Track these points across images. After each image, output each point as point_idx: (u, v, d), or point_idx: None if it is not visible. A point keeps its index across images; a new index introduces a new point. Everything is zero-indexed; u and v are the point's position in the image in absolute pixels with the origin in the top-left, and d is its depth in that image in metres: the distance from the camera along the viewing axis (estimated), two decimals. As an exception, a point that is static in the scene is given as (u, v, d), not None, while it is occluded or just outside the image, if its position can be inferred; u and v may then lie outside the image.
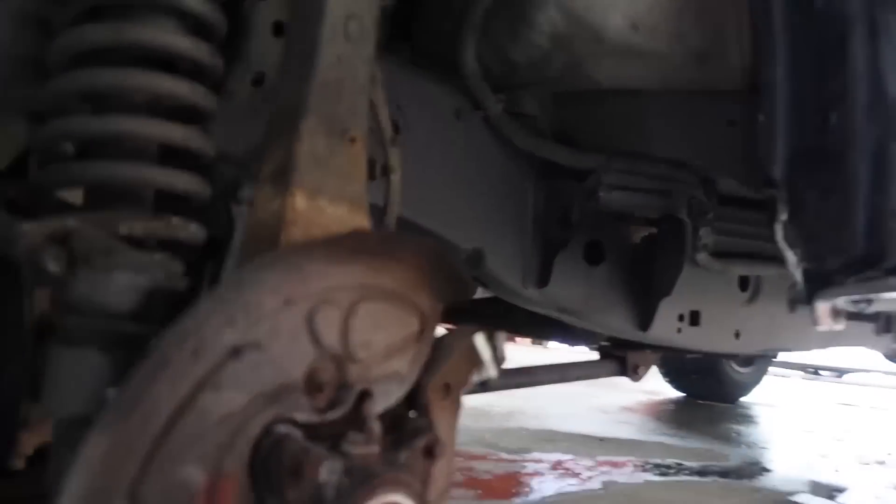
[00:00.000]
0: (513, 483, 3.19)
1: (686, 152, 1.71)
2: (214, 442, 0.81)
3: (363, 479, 0.89)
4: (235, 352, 0.82)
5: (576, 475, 3.31)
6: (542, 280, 1.91)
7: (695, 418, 5.01)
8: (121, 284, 0.78)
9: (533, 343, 7.62)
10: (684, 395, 5.58)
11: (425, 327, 1.04)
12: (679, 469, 3.56)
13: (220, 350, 0.80)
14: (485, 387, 1.14)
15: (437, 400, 1.06)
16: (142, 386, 0.74)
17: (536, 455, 3.62)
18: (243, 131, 1.30)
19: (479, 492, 2.96)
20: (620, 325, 2.04)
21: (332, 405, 0.93)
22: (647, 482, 3.34)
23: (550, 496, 3.01)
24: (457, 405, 1.09)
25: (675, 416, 5.22)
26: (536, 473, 3.33)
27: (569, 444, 3.90)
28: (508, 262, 1.89)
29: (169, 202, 1.08)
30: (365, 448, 0.92)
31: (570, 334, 2.46)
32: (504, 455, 3.54)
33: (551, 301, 1.95)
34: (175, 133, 1.08)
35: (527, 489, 3.11)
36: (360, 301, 0.95)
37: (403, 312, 1.01)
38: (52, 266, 0.81)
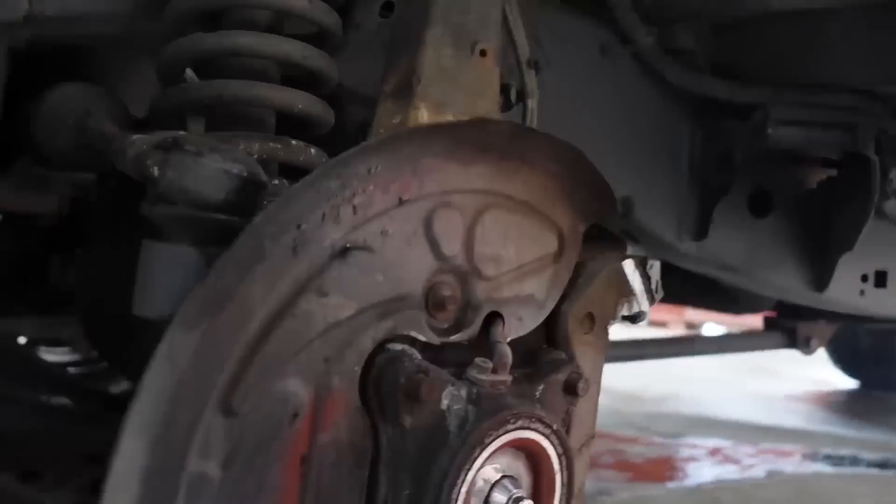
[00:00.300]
0: (666, 467, 2.98)
1: (874, 78, 1.47)
2: (319, 354, 0.71)
3: (492, 409, 0.77)
4: (342, 253, 0.71)
5: (736, 462, 3.05)
6: (701, 232, 1.72)
7: (870, 409, 4.55)
8: (212, 170, 0.70)
9: (687, 329, 7.23)
10: (858, 384, 5.10)
11: (564, 248, 0.90)
12: (855, 461, 3.21)
13: (324, 249, 0.70)
14: (635, 320, 0.99)
15: (580, 333, 0.92)
16: (234, 279, 0.65)
17: (692, 440, 3.37)
18: (372, 68, 1.20)
19: (630, 475, 2.77)
20: (791, 284, 1.81)
21: (457, 327, 0.81)
22: (818, 473, 3.03)
23: (707, 482, 2.78)
24: (603, 340, 0.95)
25: (847, 407, 4.77)
26: (692, 459, 3.10)
27: (727, 430, 3.62)
28: (661, 211, 1.71)
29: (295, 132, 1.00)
30: (494, 377, 0.79)
31: (730, 301, 2.24)
32: (657, 439, 3.32)
33: (710, 256, 1.75)
34: (294, 50, 1.00)
35: (681, 474, 2.89)
36: (487, 209, 0.82)
37: (538, 228, 0.87)
38: (153, 169, 0.74)
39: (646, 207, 1.68)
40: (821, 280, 1.81)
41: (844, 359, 4.90)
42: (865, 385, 5.08)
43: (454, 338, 0.80)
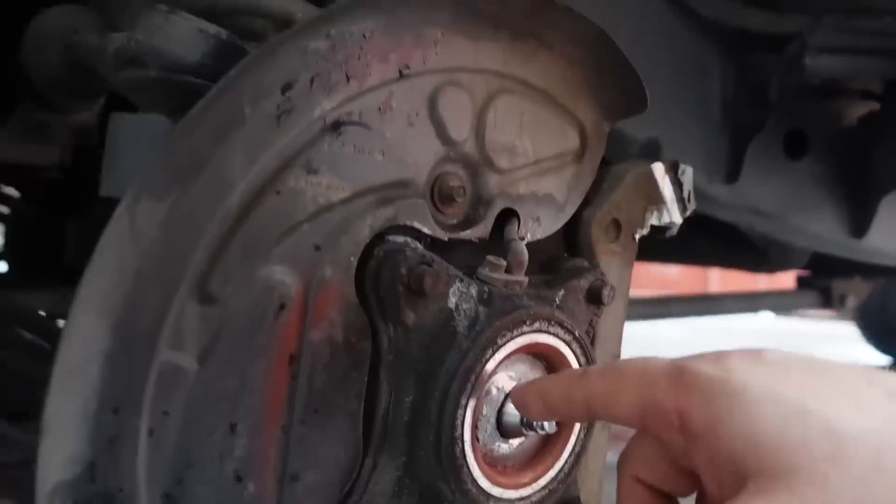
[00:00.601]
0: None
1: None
2: (310, 240, 0.62)
3: (506, 309, 0.69)
4: (334, 127, 0.63)
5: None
6: (732, 174, 1.61)
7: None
8: (185, 28, 0.62)
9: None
10: (892, 360, 4.96)
11: (587, 147, 0.81)
12: None
13: (314, 121, 0.62)
14: (665, 232, 0.90)
15: (604, 241, 0.84)
16: (209, 145, 0.57)
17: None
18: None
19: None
20: (828, 231, 1.71)
21: (466, 223, 0.73)
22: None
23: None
24: (630, 251, 0.86)
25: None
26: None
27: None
28: (690, 153, 1.61)
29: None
30: (508, 277, 0.71)
31: (760, 259, 2.13)
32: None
33: (742, 201, 1.65)
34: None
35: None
36: (500, 93, 0.73)
37: (558, 121, 0.79)
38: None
39: (674, 149, 1.57)
40: (860, 225, 1.70)
41: (876, 334, 4.75)
42: (900, 361, 4.93)
43: (464, 234, 0.72)
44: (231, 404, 0.60)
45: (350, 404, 0.66)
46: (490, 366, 0.66)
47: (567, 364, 0.72)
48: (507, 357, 0.68)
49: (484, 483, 0.68)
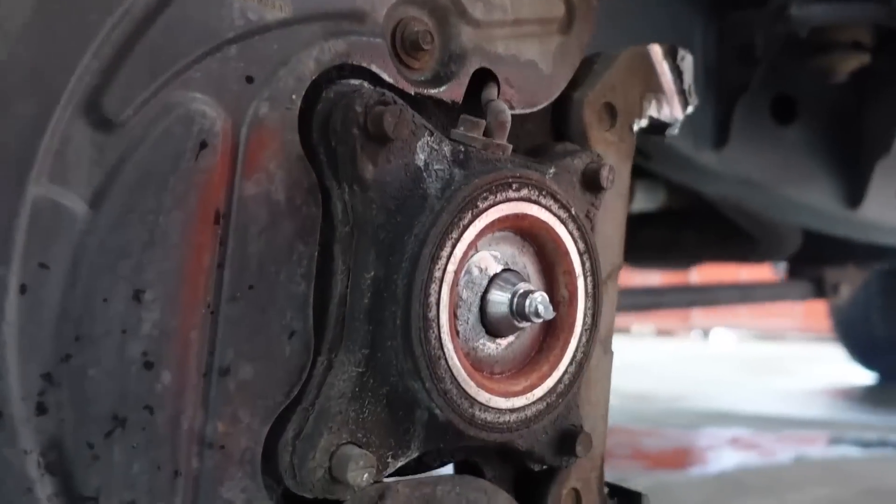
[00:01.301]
0: (685, 456, 2.75)
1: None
2: (239, 67, 0.50)
3: (485, 171, 0.56)
4: (269, -69, 0.51)
5: (758, 448, 2.82)
6: (720, 139, 1.51)
7: (893, 398, 4.32)
8: None
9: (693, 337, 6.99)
10: (877, 377, 4.87)
11: (573, 17, 0.70)
12: (883, 443, 2.98)
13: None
14: (664, 130, 0.78)
15: (599, 128, 0.71)
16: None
17: (710, 431, 3.14)
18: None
19: (648, 463, 2.54)
20: (822, 201, 1.60)
21: (437, 79, 0.60)
22: (845, 456, 2.80)
23: (730, 468, 2.54)
24: (628, 143, 0.74)
25: (869, 397, 4.51)
26: (711, 447, 2.86)
27: (746, 422, 3.39)
28: (674, 118, 1.51)
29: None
30: (488, 140, 0.58)
31: (750, 247, 2.03)
32: (673, 431, 3.08)
33: (731, 168, 1.55)
34: None
35: (702, 462, 2.66)
36: (472, -68, 0.62)
37: (540, -18, 0.67)
38: None
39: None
40: (854, 194, 1.60)
41: (860, 350, 4.66)
42: (884, 376, 4.84)
43: (434, 92, 0.59)
44: (135, 264, 0.46)
45: (296, 285, 0.52)
46: (469, 234, 0.53)
47: (563, 247, 0.59)
48: (490, 229, 0.55)
49: (467, 384, 0.54)
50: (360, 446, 0.51)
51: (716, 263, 2.14)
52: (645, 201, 2.07)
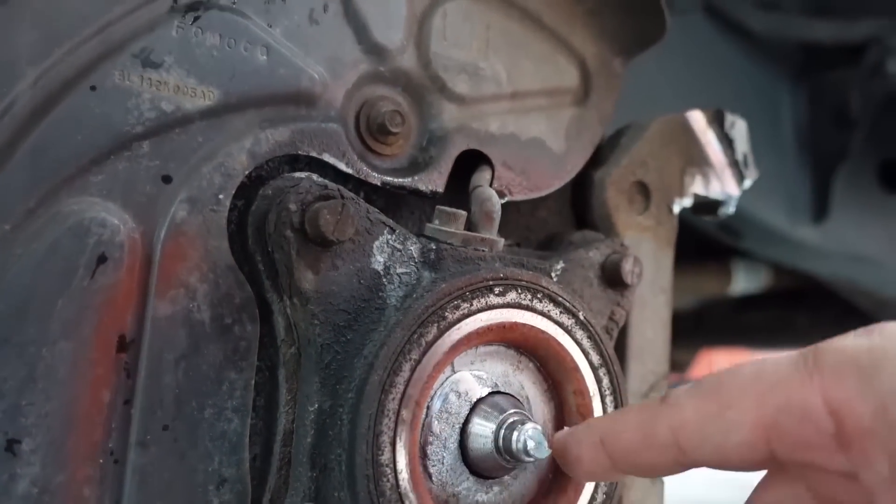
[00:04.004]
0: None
1: None
2: (150, 165, 0.42)
3: (458, 270, 0.46)
4: (191, 8, 0.44)
5: None
6: (820, 210, 1.36)
7: None
8: None
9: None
10: None
11: (591, 86, 0.60)
12: None
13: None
14: (715, 209, 0.66)
15: (628, 211, 0.60)
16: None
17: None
18: None
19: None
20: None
21: (413, 167, 0.51)
22: None
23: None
24: (667, 227, 0.62)
25: None
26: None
27: None
28: (766, 192, 1.36)
29: None
30: (469, 234, 0.48)
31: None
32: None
33: (837, 243, 1.38)
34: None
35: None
36: (452, -3, 0.53)
37: (545, 47, 0.58)
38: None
39: (746, 190, 1.34)
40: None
41: None
42: None
43: (406, 182, 0.50)
44: (9, 407, 0.38)
45: (225, 422, 0.43)
46: (436, 352, 0.43)
47: (569, 362, 0.48)
48: (468, 343, 0.45)
49: (440, 543, 0.43)
50: None
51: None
52: (746, 282, 1.90)
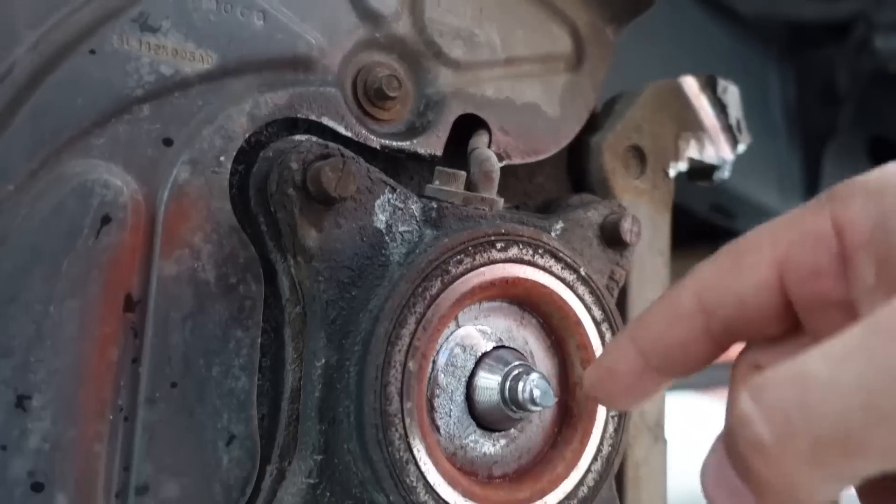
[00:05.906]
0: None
1: None
2: (151, 128, 0.43)
3: (459, 227, 0.46)
4: (187, -25, 0.44)
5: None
6: (811, 188, 1.37)
7: None
8: None
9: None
10: None
11: (584, 53, 0.60)
12: None
13: None
14: (710, 175, 0.67)
15: (624, 175, 0.61)
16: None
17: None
18: None
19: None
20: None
21: (411, 131, 0.52)
22: None
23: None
24: (663, 190, 0.63)
25: None
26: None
27: None
28: (757, 172, 1.38)
29: None
30: (469, 193, 0.49)
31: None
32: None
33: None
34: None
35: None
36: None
37: (538, 14, 0.58)
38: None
39: (737, 170, 1.34)
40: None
41: None
42: None
43: (404, 145, 0.51)
44: (18, 364, 0.38)
45: (233, 379, 0.44)
46: (441, 306, 0.43)
47: (572, 316, 0.48)
48: (472, 298, 0.45)
49: (450, 494, 0.43)
50: (316, 579, 0.41)
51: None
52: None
